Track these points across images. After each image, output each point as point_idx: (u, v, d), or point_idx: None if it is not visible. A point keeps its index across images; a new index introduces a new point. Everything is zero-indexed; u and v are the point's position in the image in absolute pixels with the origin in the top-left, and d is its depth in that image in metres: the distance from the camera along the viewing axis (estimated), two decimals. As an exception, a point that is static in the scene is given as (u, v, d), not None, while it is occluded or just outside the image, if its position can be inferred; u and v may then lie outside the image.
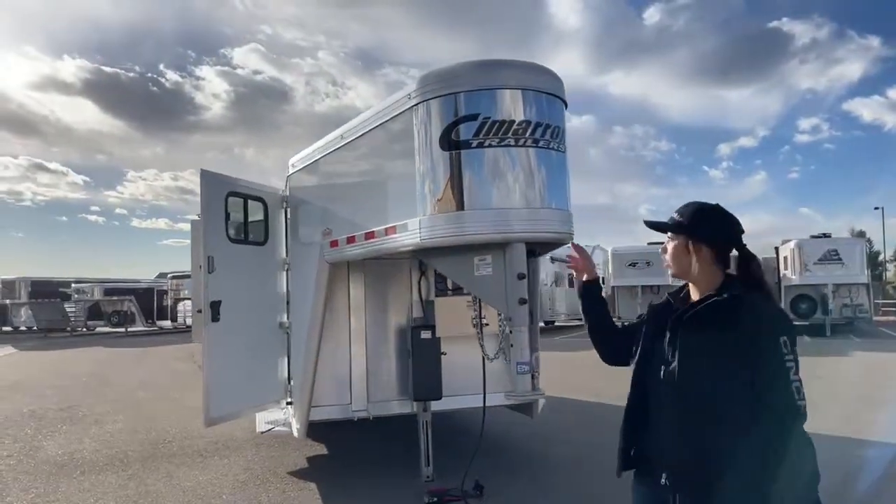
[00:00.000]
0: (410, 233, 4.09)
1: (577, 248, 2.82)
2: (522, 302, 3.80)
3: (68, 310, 30.07)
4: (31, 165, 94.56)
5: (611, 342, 2.61)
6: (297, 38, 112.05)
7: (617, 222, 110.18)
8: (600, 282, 2.94)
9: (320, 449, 7.33)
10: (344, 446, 7.38)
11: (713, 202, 2.32)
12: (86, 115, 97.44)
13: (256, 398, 6.06)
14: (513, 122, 3.83)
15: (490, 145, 3.81)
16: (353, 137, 4.92)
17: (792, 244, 22.04)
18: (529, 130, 3.86)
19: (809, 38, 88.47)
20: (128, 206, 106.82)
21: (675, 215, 2.30)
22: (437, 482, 5.77)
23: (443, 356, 5.85)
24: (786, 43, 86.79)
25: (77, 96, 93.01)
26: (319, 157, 5.48)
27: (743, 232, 2.29)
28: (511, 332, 3.86)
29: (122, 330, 30.59)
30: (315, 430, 7.56)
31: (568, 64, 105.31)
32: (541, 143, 3.90)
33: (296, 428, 5.91)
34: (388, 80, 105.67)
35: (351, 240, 4.86)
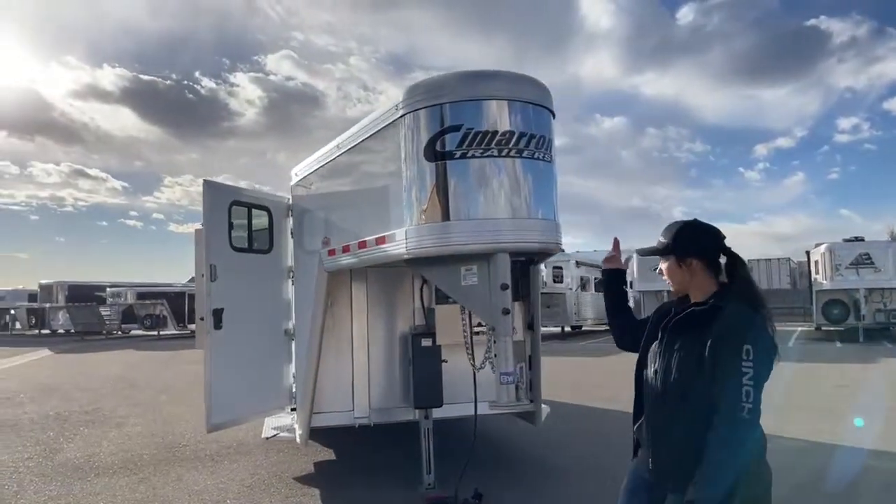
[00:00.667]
0: (397, 243, 4.13)
1: (616, 242, 3.09)
2: (506, 312, 3.80)
3: (103, 313, 30.78)
4: (73, 172, 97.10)
5: (625, 328, 2.92)
6: (329, 44, 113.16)
7: (650, 225, 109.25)
8: (625, 275, 3.17)
9: (328, 455, 7.40)
10: (351, 452, 7.43)
11: (690, 218, 2.62)
12: (124, 122, 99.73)
13: (260, 404, 6.16)
14: (496, 132, 3.85)
15: (473, 156, 3.83)
16: (348, 147, 4.98)
17: (823, 248, 21.56)
18: (513, 141, 3.87)
19: (848, 35, 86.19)
20: (165, 210, 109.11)
21: (662, 238, 2.57)
22: (439, 490, 5.79)
23: (444, 364, 5.86)
24: (823, 41, 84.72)
25: (116, 104, 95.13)
26: (318, 166, 5.56)
27: (724, 238, 2.55)
28: (495, 341, 3.87)
29: (155, 333, 31.22)
30: (324, 435, 7.65)
31: (600, 65, 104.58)
32: (525, 154, 3.91)
33: (298, 434, 5.98)
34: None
35: (346, 249, 4.92)
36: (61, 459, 7.49)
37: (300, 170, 6.00)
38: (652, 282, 22.52)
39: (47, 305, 33.03)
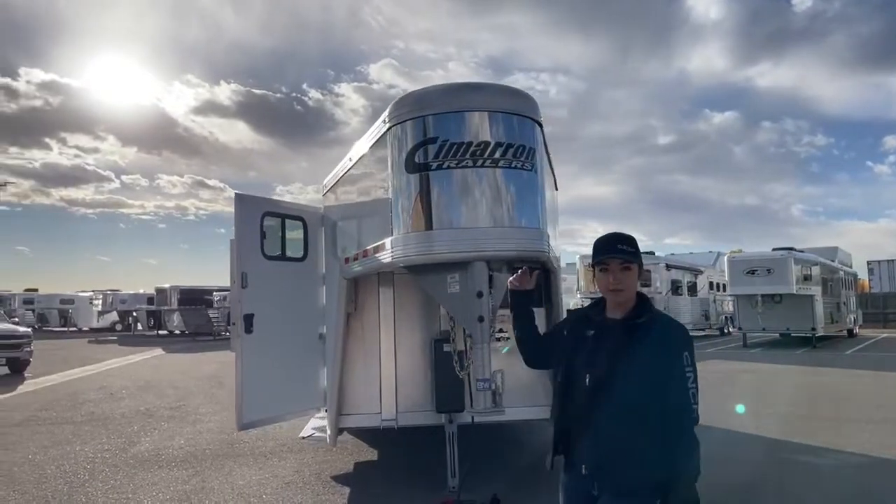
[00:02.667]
0: (386, 252, 4.27)
1: (524, 270, 3.08)
2: (480, 320, 3.85)
3: (211, 316, 32.76)
4: (195, 183, 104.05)
5: (535, 347, 2.93)
6: (429, 50, 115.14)
7: (766, 224, 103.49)
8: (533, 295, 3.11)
9: (371, 455, 7.64)
10: (393, 453, 7.64)
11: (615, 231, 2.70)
12: (240, 134, 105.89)
13: (293, 405, 6.46)
14: (470, 143, 3.91)
15: (449, 166, 3.91)
16: (356, 159, 5.18)
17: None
18: (488, 151, 3.92)
19: None
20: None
21: (626, 246, 2.58)
22: (462, 494, 5.85)
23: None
24: (959, 21, 77.40)
25: (232, 118, 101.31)
26: (337, 178, 5.80)
27: None
28: (471, 348, 3.93)
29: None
30: (372, 436, 7.91)
31: (709, 58, 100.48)
32: (501, 163, 3.94)
33: (328, 434, 6.23)
34: (518, 85, 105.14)
35: (356, 257, 5.12)
36: (134, 452, 8.12)
37: (328, 181, 6.27)
38: (746, 286, 21.47)
39: (163, 308, 35.55)
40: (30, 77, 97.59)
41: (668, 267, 24.84)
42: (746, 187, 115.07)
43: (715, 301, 29.73)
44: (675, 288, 25.22)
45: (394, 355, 6.33)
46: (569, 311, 2.79)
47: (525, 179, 4.10)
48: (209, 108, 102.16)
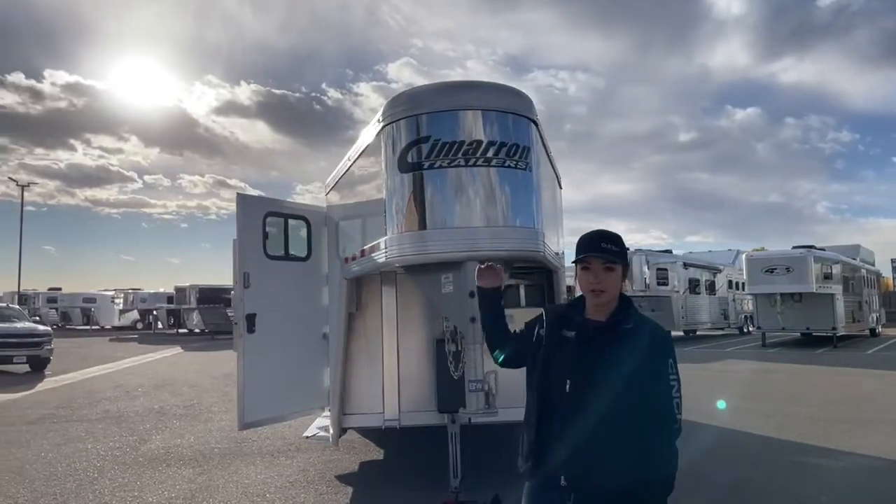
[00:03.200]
0: (381, 252, 4.25)
1: (489, 267, 2.99)
2: (472, 320, 3.82)
3: (230, 314, 33.02)
4: (216, 182, 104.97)
5: (508, 346, 2.80)
6: (447, 49, 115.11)
7: (790, 222, 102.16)
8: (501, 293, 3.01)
9: (377, 455, 7.64)
10: (401, 453, 7.64)
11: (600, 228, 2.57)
12: (260, 134, 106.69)
13: (296, 405, 6.48)
14: (462, 142, 3.88)
15: (440, 166, 3.89)
16: (354, 159, 5.17)
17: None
18: (481, 150, 3.88)
19: None
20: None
21: (612, 245, 2.45)
22: (463, 494, 5.83)
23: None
24: None
25: (253, 118, 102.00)
26: (337, 178, 5.80)
27: None
28: (463, 349, 3.90)
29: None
30: (376, 435, 7.91)
31: (731, 53, 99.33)
32: (494, 162, 3.90)
33: (331, 434, 6.24)
34: (537, 83, 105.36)
35: (354, 257, 5.11)
36: (144, 450, 8.19)
37: (329, 180, 6.27)
38: (765, 284, 21.20)
39: (182, 307, 35.92)
40: (54, 79, 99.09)
41: (686, 265, 24.61)
42: (770, 185, 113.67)
43: (734, 300, 29.41)
44: (693, 286, 24.98)
45: (396, 355, 6.32)
46: (544, 308, 2.65)
47: (520, 178, 4.06)
48: (230, 108, 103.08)
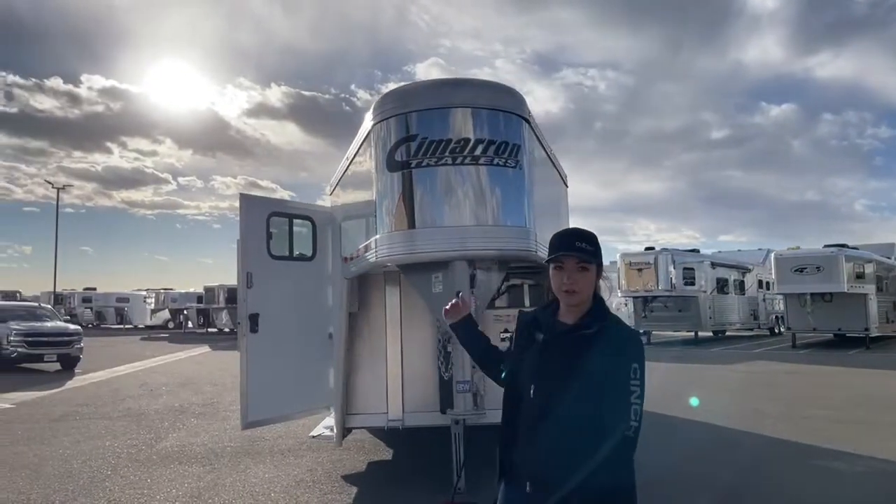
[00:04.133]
0: (372, 251, 4.23)
1: (457, 296, 2.92)
2: (460, 320, 3.76)
3: (257, 314, 33.34)
4: (248, 184, 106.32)
5: (498, 365, 2.68)
6: (476, 48, 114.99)
7: (827, 221, 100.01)
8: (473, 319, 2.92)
9: (386, 455, 7.63)
10: (410, 453, 7.62)
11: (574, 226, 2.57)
12: (290, 136, 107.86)
13: (300, 404, 6.49)
14: (450, 140, 3.83)
15: (427, 165, 3.85)
16: (351, 158, 5.16)
17: None
18: (468, 148, 3.83)
19: None
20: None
21: (586, 245, 2.37)
22: (463, 496, 5.79)
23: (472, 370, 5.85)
24: None
25: (283, 120, 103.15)
26: (338, 178, 5.79)
27: None
28: (450, 350, 3.86)
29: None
30: (387, 434, 7.90)
31: (765, 49, 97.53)
32: (482, 161, 3.85)
33: (335, 434, 6.24)
34: (566, 82, 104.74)
35: (352, 257, 5.10)
36: (159, 448, 8.29)
37: (332, 180, 6.27)
38: (795, 284, 20.74)
39: (212, 306, 36.40)
40: (91, 83, 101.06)
41: (713, 265, 24.18)
42: (806, 182, 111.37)
43: (764, 300, 28.84)
44: (721, 286, 24.53)
45: (400, 355, 6.30)
46: (519, 311, 2.58)
47: (510, 177, 4.01)
48: (261, 110, 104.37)
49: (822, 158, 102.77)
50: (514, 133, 4.03)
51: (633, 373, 2.23)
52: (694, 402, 9.46)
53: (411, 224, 3.96)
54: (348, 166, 5.41)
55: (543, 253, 4.47)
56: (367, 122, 4.40)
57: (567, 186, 6.43)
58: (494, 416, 4.44)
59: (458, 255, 3.82)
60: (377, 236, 4.19)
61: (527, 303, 6.48)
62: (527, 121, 4.17)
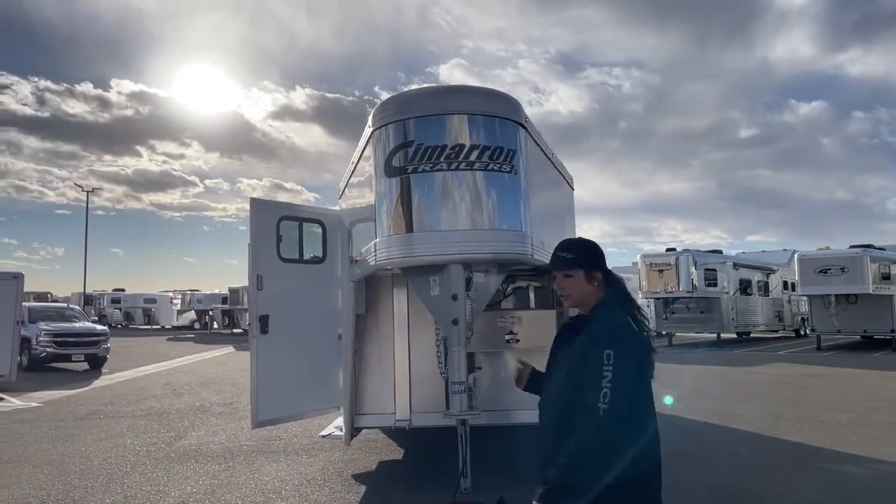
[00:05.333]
0: (371, 255, 4.32)
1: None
2: (455, 322, 3.85)
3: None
4: (273, 186, 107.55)
5: None
6: (499, 49, 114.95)
7: (858, 220, 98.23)
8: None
9: (397, 454, 7.72)
10: (422, 452, 7.71)
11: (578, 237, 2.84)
12: (315, 138, 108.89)
13: (310, 404, 6.61)
14: (445, 146, 3.91)
15: (424, 170, 3.94)
16: (355, 163, 5.26)
17: None
18: (463, 154, 3.91)
19: None
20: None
21: (567, 254, 2.62)
22: (469, 495, 5.86)
23: (478, 371, 5.92)
24: None
25: (308, 122, 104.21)
26: (345, 182, 5.90)
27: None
28: (446, 351, 3.93)
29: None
30: (399, 434, 8.00)
31: (794, 46, 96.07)
32: (477, 166, 3.93)
33: (343, 434, 6.35)
34: (590, 81, 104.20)
35: (356, 260, 5.20)
36: (178, 446, 8.48)
37: (341, 184, 6.39)
38: (819, 286, 20.46)
39: (236, 307, 36.89)
40: (121, 88, 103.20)
41: (736, 266, 23.92)
42: (836, 181, 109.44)
43: (790, 301, 28.45)
44: (744, 287, 24.27)
45: (408, 356, 6.39)
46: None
47: (506, 181, 4.08)
48: (286, 112, 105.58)
49: (853, 156, 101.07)
50: (509, 138, 4.10)
51: (606, 358, 2.35)
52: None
53: (409, 228, 4.06)
54: (353, 171, 5.53)
55: (541, 256, 4.53)
56: (368, 128, 4.50)
57: (573, 189, 6.47)
58: (490, 417, 4.53)
59: (455, 259, 3.91)
60: (376, 240, 4.28)
61: (532, 305, 6.53)
62: (523, 126, 4.24)
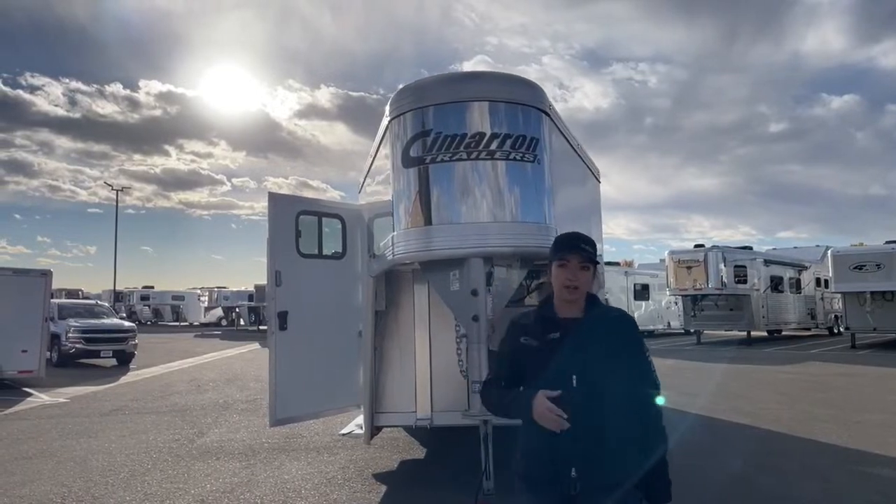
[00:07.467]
0: (389, 249, 4.19)
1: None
2: (475, 319, 3.70)
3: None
4: (299, 184, 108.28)
5: None
6: (522, 45, 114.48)
7: (894, 216, 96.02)
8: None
9: (419, 453, 7.60)
10: (442, 452, 7.58)
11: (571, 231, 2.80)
12: (339, 136, 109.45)
13: (330, 402, 6.50)
14: (465, 135, 3.75)
15: (442, 160, 3.78)
16: (374, 156, 5.13)
17: None
18: (484, 143, 3.75)
19: None
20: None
21: (587, 247, 2.62)
22: (491, 498, 5.71)
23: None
24: None
25: (332, 120, 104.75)
26: (364, 175, 5.77)
27: None
28: (467, 349, 3.78)
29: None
30: (421, 433, 7.87)
31: (825, 38, 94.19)
32: (497, 155, 3.76)
33: (363, 432, 6.24)
34: (616, 77, 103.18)
35: (375, 255, 5.07)
36: (200, 443, 8.45)
37: (361, 178, 6.27)
38: (853, 282, 19.92)
39: (262, 304, 37.13)
40: (149, 89, 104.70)
41: (767, 262, 23.40)
42: (871, 176, 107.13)
43: (822, 298, 27.79)
44: (776, 284, 23.74)
45: (429, 354, 6.25)
46: (511, 320, 2.61)
47: (528, 171, 3.91)
48: (311, 111, 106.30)
49: (888, 151, 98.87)
50: (532, 126, 3.93)
51: (645, 348, 2.61)
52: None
53: (427, 221, 3.91)
54: (371, 164, 5.40)
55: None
56: (385, 118, 4.36)
57: (599, 181, 6.27)
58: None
59: (475, 252, 3.75)
60: (394, 233, 4.15)
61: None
62: (546, 113, 4.06)
